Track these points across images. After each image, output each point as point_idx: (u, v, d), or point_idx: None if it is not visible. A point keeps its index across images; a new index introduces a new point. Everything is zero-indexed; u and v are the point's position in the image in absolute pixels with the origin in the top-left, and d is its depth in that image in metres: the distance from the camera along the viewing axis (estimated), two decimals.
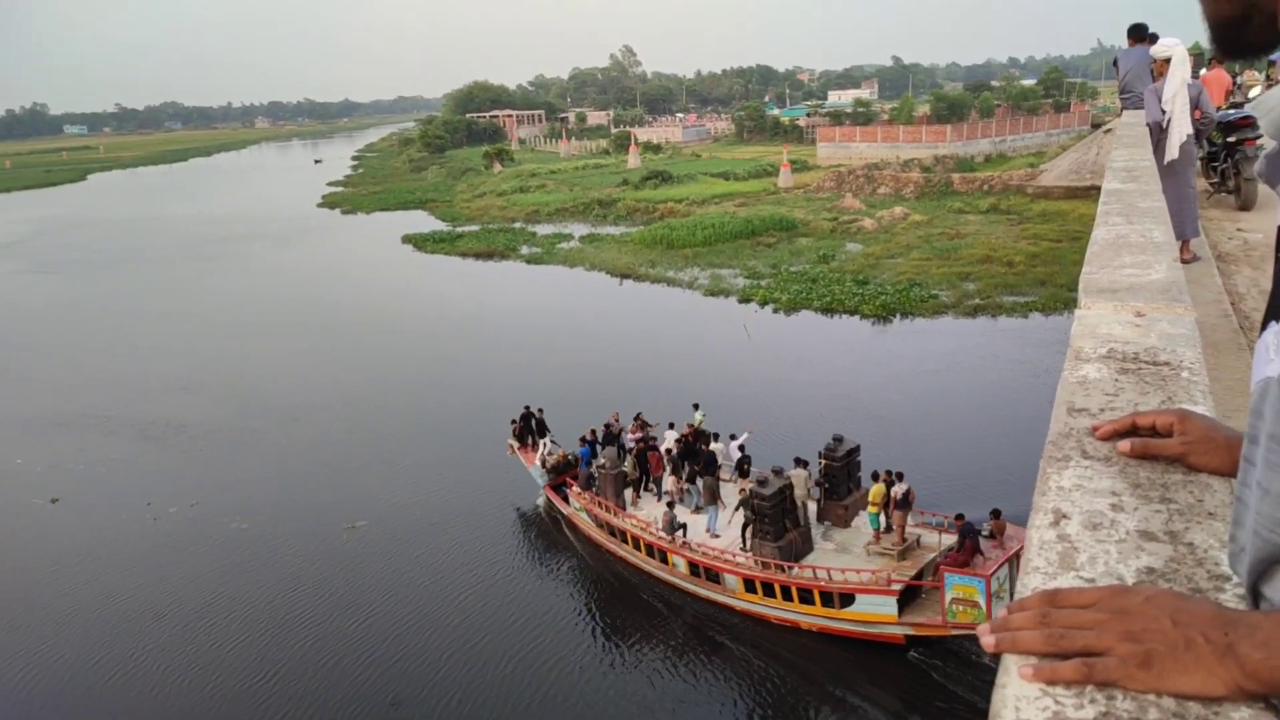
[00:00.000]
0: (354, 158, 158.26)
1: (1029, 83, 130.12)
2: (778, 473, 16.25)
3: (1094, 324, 2.47)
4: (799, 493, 16.34)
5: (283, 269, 54.05)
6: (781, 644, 15.32)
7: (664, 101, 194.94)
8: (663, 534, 16.93)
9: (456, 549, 18.74)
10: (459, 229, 63.15)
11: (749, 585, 15.75)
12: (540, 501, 20.96)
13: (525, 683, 14.27)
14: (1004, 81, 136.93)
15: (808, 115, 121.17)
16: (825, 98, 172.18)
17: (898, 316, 34.32)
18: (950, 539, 15.03)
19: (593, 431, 19.80)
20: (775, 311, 36.30)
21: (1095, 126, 77.81)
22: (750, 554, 15.89)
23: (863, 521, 16.61)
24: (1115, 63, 12.97)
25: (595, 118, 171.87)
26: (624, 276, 44.65)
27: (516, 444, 21.32)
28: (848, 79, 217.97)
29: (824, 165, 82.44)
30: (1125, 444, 1.65)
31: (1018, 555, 13.77)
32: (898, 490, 15.59)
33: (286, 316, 41.20)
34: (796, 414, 24.96)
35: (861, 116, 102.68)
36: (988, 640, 1.12)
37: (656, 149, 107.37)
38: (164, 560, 18.82)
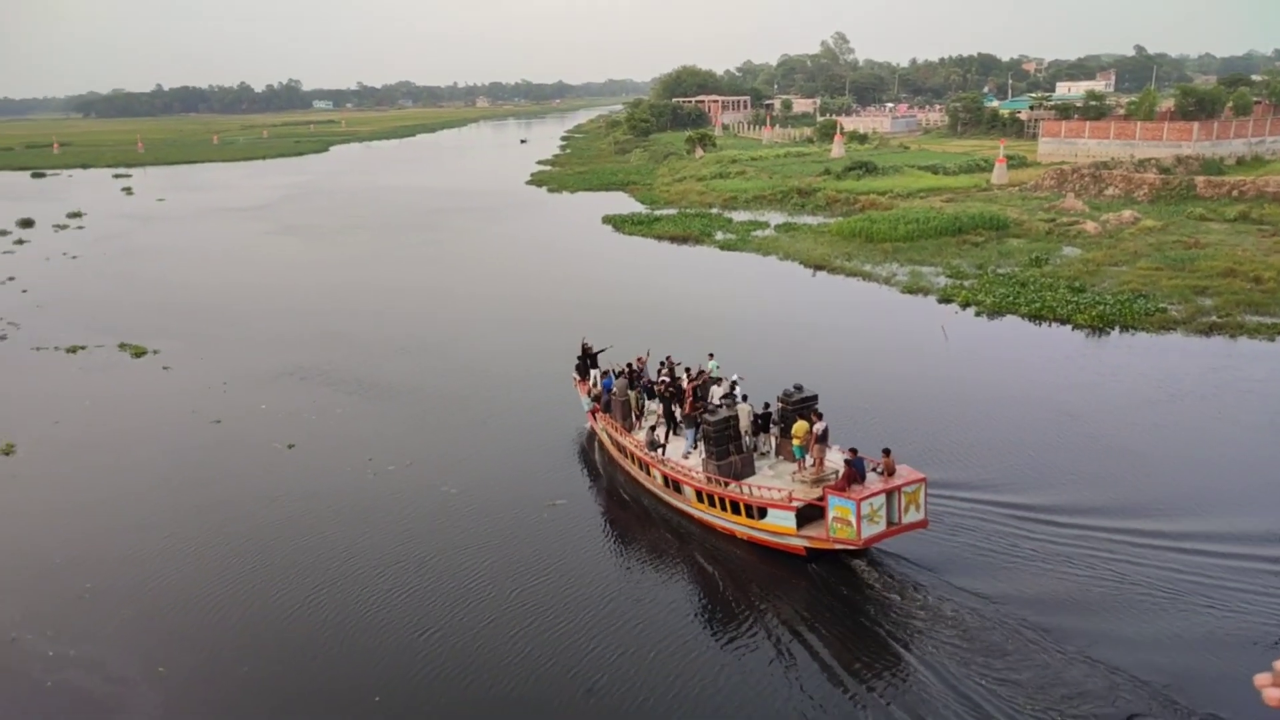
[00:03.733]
0: (562, 138, 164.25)
1: None
2: (728, 405, 19.01)
3: None
4: (743, 424, 18.86)
5: (490, 242, 57.13)
6: (720, 549, 18.14)
7: (874, 90, 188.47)
8: (646, 451, 20.06)
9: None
10: (657, 212, 64.17)
11: (699, 496, 18.65)
12: (588, 425, 24.36)
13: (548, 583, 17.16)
14: (1267, 75, 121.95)
15: (1031, 108, 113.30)
16: (1053, 89, 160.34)
17: (1116, 329, 31.64)
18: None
19: (614, 366, 23.18)
20: (977, 315, 34.42)
21: None
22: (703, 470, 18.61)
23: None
24: None
25: (801, 105, 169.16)
26: (818, 267, 43.81)
27: (577, 377, 24.82)
28: (1080, 69, 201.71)
29: (1045, 162, 77.06)
30: None
31: (899, 489, 16.50)
32: (818, 428, 17.87)
33: (493, 287, 43.52)
34: (991, 425, 23.64)
35: (1093, 111, 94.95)
36: (1272, 694, 1.02)
37: (862, 139, 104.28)
38: (380, 515, 19.54)
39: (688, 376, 21.67)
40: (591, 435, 24.19)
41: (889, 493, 16.47)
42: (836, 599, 16.16)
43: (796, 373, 27.87)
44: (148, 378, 30.39)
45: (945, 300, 36.41)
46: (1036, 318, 33.33)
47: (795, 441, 18.21)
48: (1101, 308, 32.91)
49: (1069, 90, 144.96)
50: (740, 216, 60.43)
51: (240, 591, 16.92)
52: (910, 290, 38.32)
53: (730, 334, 32.84)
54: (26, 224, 68.60)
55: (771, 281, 42.38)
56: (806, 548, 17.22)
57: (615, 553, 18.42)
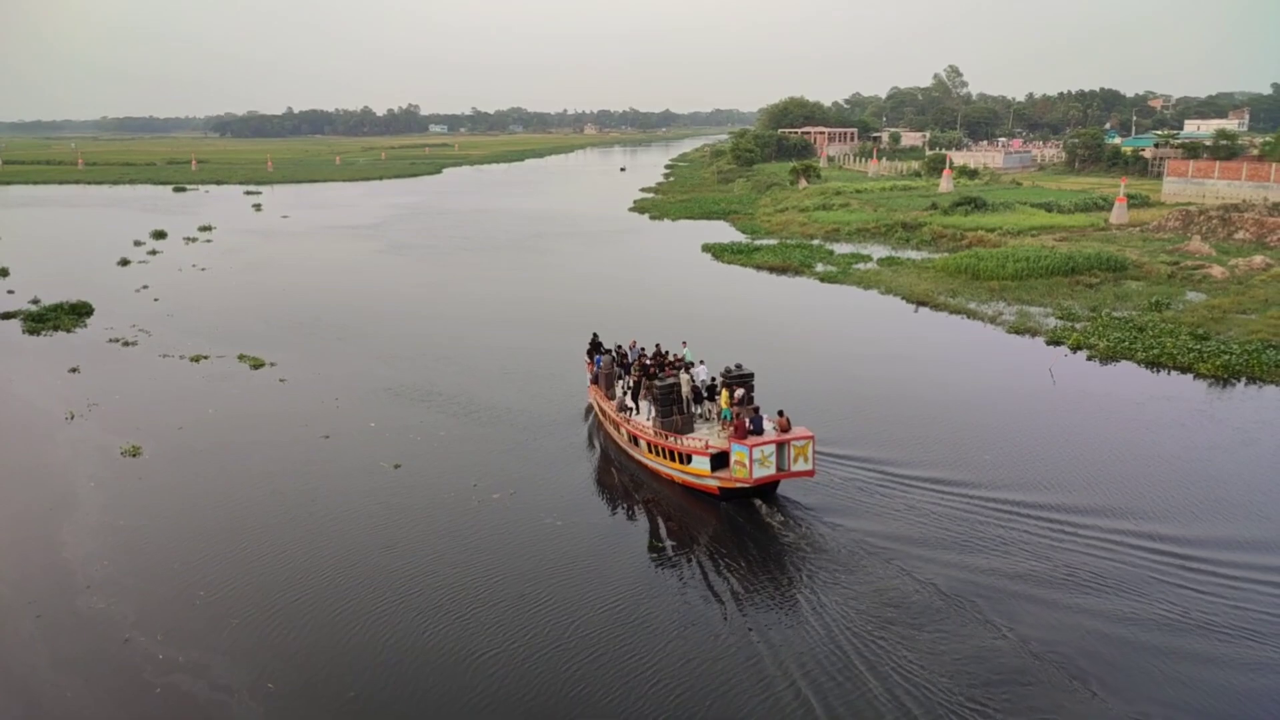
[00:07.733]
0: (666, 167, 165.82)
1: None
2: (673, 374, 23.78)
3: None
4: (684, 391, 23.40)
5: (591, 266, 57.93)
6: (661, 493, 22.60)
7: (987, 125, 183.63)
8: (618, 413, 24.72)
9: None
10: (757, 242, 64.03)
11: (649, 448, 23.22)
12: (588, 398, 28.98)
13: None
14: None
15: (1156, 146, 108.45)
16: (1180, 127, 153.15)
17: (1242, 380, 29.84)
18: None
19: (607, 347, 28.61)
20: (1089, 359, 33.00)
21: None
22: (652, 427, 23.01)
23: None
24: None
25: (910, 139, 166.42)
26: (920, 303, 42.84)
27: (587, 360, 29.16)
28: (1211, 107, 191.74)
29: (1169, 203, 73.66)
30: None
31: (789, 442, 20.95)
32: (739, 394, 22.18)
33: (593, 313, 43.87)
34: (1107, 481, 22.58)
35: (1224, 150, 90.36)
36: None
37: (972, 174, 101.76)
38: (486, 544, 19.62)
39: (661, 356, 26.31)
40: (590, 406, 28.58)
41: (780, 444, 20.94)
42: (729, 524, 20.58)
43: (882, 407, 27.35)
44: (264, 389, 31.83)
45: (1054, 342, 35.09)
46: (1154, 364, 31.77)
47: (723, 405, 22.61)
48: (1227, 357, 31.13)
49: (1198, 128, 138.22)
50: (842, 249, 59.72)
51: (349, 613, 16.99)
52: (1017, 330, 37.08)
53: (816, 363, 32.38)
54: (159, 235, 73.26)
55: (869, 315, 41.66)
56: (719, 487, 21.55)
57: (589, 493, 22.97)
